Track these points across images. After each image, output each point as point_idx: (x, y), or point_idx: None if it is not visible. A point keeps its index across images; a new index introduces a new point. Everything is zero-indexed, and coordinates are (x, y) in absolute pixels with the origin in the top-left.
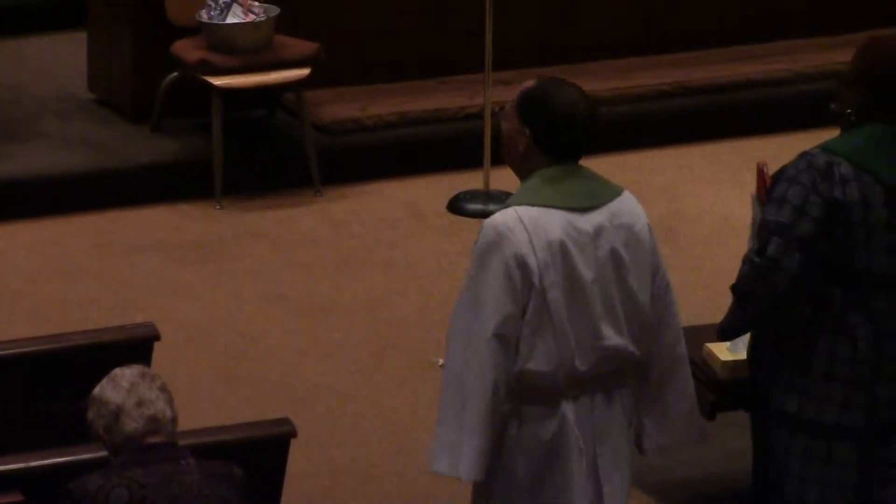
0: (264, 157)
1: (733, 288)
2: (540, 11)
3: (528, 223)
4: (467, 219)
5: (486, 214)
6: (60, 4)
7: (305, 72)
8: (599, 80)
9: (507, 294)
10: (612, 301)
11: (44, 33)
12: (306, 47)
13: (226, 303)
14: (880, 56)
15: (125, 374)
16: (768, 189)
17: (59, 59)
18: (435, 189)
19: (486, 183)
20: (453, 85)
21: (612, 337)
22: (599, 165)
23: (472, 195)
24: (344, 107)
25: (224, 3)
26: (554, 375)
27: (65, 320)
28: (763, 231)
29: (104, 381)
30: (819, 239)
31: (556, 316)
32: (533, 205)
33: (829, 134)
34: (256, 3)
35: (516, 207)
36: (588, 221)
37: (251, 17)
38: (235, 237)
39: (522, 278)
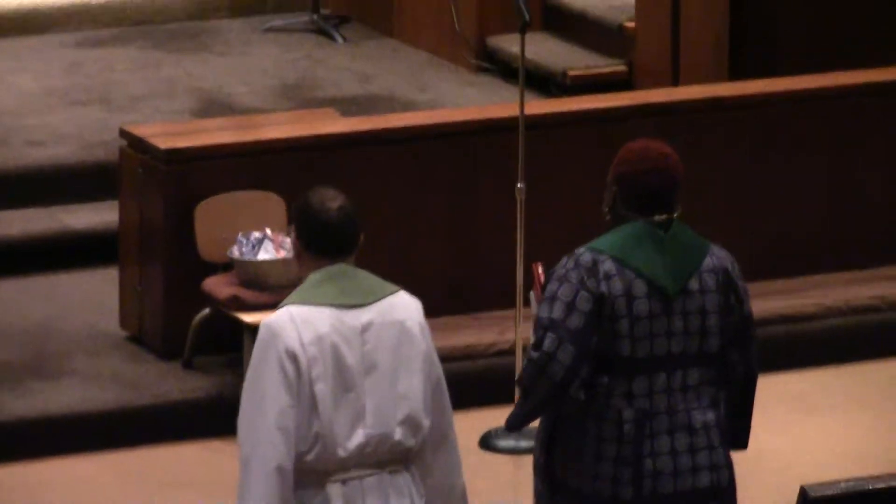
0: None
1: (517, 382)
2: (568, 245)
3: (299, 321)
4: (500, 455)
5: (517, 451)
6: (92, 241)
7: None
8: None
9: (283, 387)
10: (382, 392)
11: (75, 270)
12: None
13: None
14: (624, 157)
15: None
16: (543, 287)
17: (90, 296)
18: (466, 425)
19: None
20: (485, 320)
21: (380, 426)
22: None
23: (504, 432)
24: None
25: (255, 239)
26: (320, 460)
27: None
28: (538, 328)
29: None
30: (589, 331)
31: (321, 406)
32: (304, 303)
33: (863, 367)
34: (288, 239)
35: (289, 307)
36: (357, 318)
37: (283, 254)
38: None
39: (295, 371)
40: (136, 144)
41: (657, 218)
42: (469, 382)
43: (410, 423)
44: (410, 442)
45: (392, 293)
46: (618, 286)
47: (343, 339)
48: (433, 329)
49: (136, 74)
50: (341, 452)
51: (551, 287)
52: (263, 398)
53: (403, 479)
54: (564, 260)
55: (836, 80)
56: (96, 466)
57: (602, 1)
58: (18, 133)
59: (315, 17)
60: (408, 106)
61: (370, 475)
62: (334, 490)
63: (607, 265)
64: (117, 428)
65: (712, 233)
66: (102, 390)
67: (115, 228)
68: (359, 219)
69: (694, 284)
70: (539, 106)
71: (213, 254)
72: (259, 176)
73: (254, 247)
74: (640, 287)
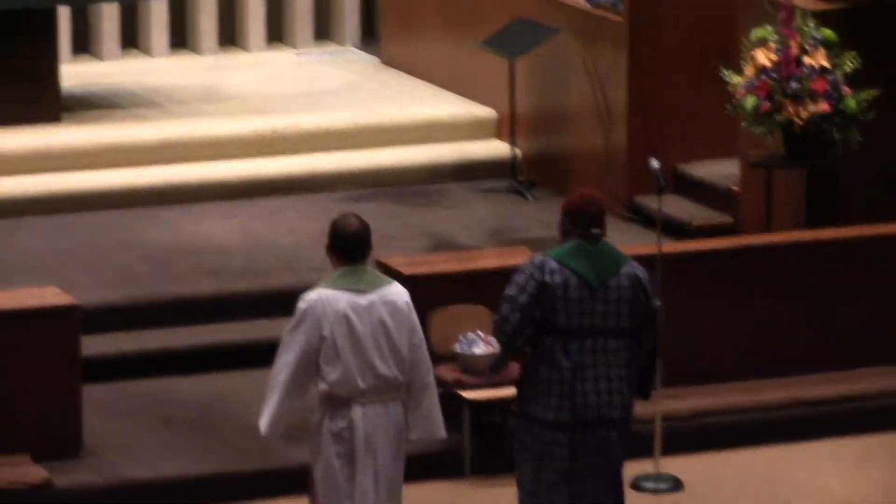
0: (500, 448)
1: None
2: (698, 340)
3: (325, 299)
4: (645, 494)
5: (658, 492)
6: None
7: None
8: (735, 395)
9: (308, 341)
10: (381, 347)
11: None
12: (515, 370)
13: None
14: (568, 199)
15: None
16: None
17: None
18: None
19: (657, 467)
20: None
21: (381, 368)
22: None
23: (647, 477)
24: None
25: (471, 338)
26: (344, 390)
27: None
28: (502, 300)
29: None
30: (533, 306)
31: (342, 354)
32: (330, 288)
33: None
34: (493, 338)
35: (319, 290)
36: (364, 298)
37: (489, 349)
38: None
39: (318, 333)
40: (385, 270)
41: (594, 231)
42: None
43: (400, 365)
44: (401, 378)
45: (388, 283)
46: (558, 278)
47: (354, 312)
48: None
49: (387, 221)
50: (360, 384)
51: (514, 277)
52: (293, 342)
53: (398, 407)
54: (526, 261)
55: (883, 229)
56: None
57: (716, 172)
58: (303, 262)
59: (513, 181)
60: None
61: (378, 402)
62: (357, 410)
63: (551, 265)
64: None
65: (793, 325)
66: None
67: None
68: (369, 236)
69: (613, 282)
70: (672, 246)
71: (443, 349)
72: (473, 293)
73: (470, 344)
74: (573, 280)
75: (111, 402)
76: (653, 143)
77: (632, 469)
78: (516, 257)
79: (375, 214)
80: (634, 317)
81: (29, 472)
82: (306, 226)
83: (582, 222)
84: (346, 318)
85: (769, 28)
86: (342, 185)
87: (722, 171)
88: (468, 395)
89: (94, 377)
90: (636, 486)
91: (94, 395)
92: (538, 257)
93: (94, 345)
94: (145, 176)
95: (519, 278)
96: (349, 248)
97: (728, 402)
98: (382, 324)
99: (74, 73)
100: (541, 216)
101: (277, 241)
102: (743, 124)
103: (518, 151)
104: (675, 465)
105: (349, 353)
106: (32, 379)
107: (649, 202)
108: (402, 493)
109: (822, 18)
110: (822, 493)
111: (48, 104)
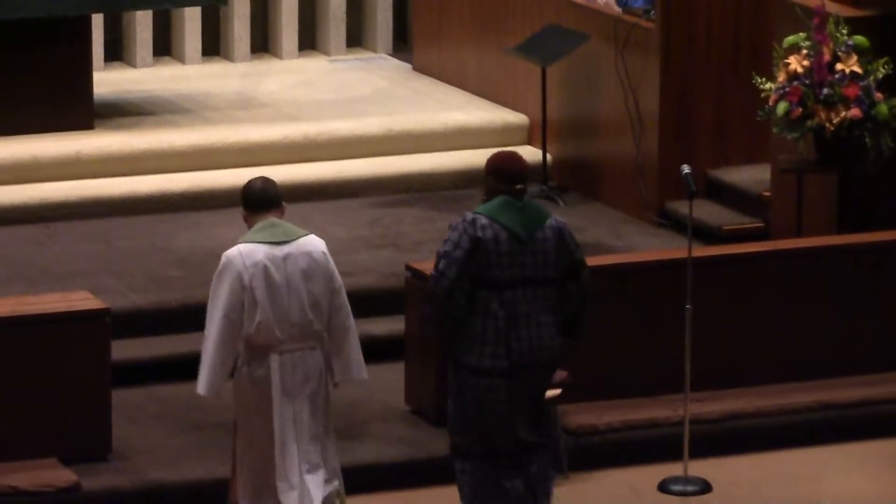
0: None
1: (427, 293)
2: (727, 344)
3: (244, 252)
4: (672, 497)
5: (685, 494)
6: (386, 343)
7: (558, 392)
8: (763, 398)
9: (232, 293)
10: (300, 296)
11: (374, 363)
12: (559, 375)
13: None
14: (492, 159)
15: None
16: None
17: (384, 382)
18: (647, 475)
19: (685, 470)
20: (661, 401)
21: (299, 317)
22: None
23: (675, 480)
24: (586, 416)
25: None
26: (263, 339)
27: None
28: (437, 256)
29: None
30: (468, 260)
31: (260, 304)
32: (248, 242)
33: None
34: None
35: (238, 246)
36: (281, 250)
37: None
38: None
39: (240, 284)
40: (417, 276)
41: (518, 186)
42: (651, 444)
43: (317, 313)
44: (318, 326)
45: (304, 235)
46: (489, 233)
47: (272, 263)
48: (628, 407)
49: (418, 227)
50: (277, 333)
51: (448, 234)
52: (218, 299)
53: (317, 354)
54: (458, 219)
55: None
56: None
57: (747, 177)
58: None
59: (544, 187)
60: (609, 249)
61: (297, 350)
62: (274, 358)
63: (482, 220)
64: (402, 475)
65: (822, 330)
66: (392, 447)
67: (402, 334)
68: (276, 189)
69: (539, 234)
70: (702, 250)
71: None
72: None
73: None
74: (503, 234)
75: (140, 405)
76: (684, 149)
77: (660, 472)
78: None
79: (407, 219)
80: (560, 267)
81: (57, 474)
82: (337, 231)
83: (507, 179)
84: (264, 268)
85: (802, 34)
86: (374, 190)
87: (753, 176)
88: None
89: (124, 381)
90: (664, 489)
91: (124, 399)
92: (469, 215)
93: (124, 349)
94: (177, 182)
95: (453, 235)
96: (258, 197)
97: (756, 406)
98: (300, 273)
99: (107, 81)
100: (571, 221)
101: None
102: (774, 130)
103: (549, 157)
104: (703, 468)
105: (267, 302)
106: (63, 382)
107: (680, 207)
108: (333, 440)
109: (855, 25)
110: (850, 495)
111: (81, 111)
